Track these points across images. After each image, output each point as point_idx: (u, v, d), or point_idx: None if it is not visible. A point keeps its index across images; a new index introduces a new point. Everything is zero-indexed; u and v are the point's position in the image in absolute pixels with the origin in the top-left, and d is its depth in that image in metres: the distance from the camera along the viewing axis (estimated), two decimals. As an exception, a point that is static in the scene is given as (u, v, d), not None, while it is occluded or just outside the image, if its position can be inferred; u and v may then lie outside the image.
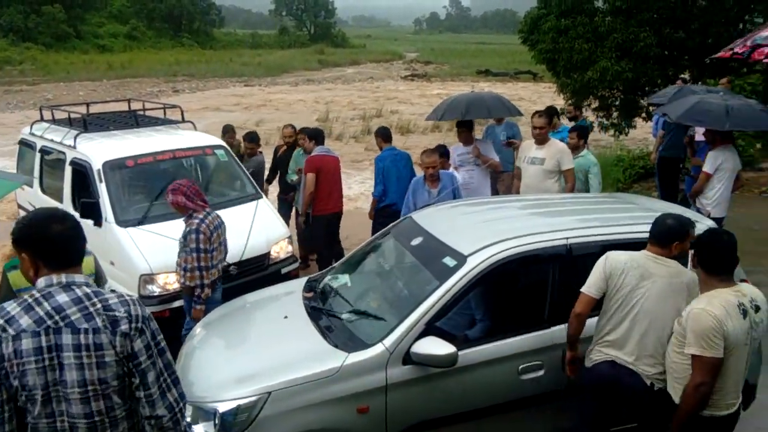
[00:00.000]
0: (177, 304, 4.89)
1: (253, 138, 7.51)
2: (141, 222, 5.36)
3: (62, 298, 1.99)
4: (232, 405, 3.07)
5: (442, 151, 6.43)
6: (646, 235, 3.66)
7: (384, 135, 6.70)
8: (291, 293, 4.20)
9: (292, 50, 61.46)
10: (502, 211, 4.47)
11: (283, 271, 5.70)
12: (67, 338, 1.95)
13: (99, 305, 2.01)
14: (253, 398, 3.08)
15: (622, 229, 3.77)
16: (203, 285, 4.43)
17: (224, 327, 4.00)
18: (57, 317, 1.96)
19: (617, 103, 12.74)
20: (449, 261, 3.49)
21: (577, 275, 3.53)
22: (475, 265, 3.38)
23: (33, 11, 45.72)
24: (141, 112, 7.30)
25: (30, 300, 1.99)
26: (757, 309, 2.86)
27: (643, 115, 12.51)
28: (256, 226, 5.70)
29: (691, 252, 3.06)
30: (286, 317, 3.83)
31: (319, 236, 6.59)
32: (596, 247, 3.58)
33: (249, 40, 67.71)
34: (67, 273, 2.04)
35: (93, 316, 1.99)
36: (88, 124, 6.27)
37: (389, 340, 3.24)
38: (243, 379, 3.22)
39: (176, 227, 5.41)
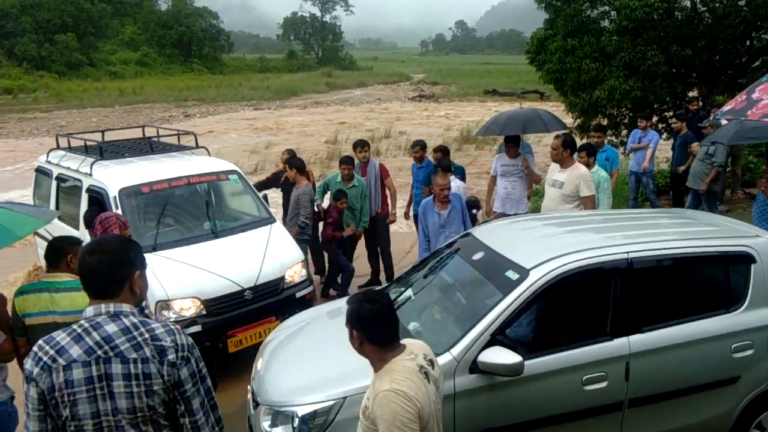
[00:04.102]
0: (193, 329, 4.90)
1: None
2: (156, 248, 5.40)
3: (111, 328, 2.01)
4: (310, 409, 3.22)
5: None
6: (705, 250, 3.80)
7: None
8: None
9: (301, 74, 62.21)
10: (560, 226, 4.55)
11: (298, 295, 5.70)
12: (117, 368, 1.98)
13: (147, 335, 2.03)
14: (330, 403, 3.21)
15: (680, 243, 3.85)
16: None
17: (300, 336, 4.16)
18: (106, 347, 1.99)
19: (626, 121, 12.77)
20: (512, 274, 3.56)
21: (637, 288, 3.62)
22: (537, 278, 3.45)
23: (47, 40, 46.74)
24: (155, 139, 7.41)
25: (79, 330, 2.01)
26: (433, 364, 2.53)
27: (653, 132, 12.52)
28: (270, 251, 5.73)
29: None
30: None
31: None
32: (656, 261, 3.67)
33: (258, 65, 68.73)
34: (115, 303, 2.05)
35: (141, 345, 2.01)
36: (104, 151, 6.34)
37: (456, 350, 3.31)
38: (320, 384, 3.36)
39: (191, 253, 5.47)
